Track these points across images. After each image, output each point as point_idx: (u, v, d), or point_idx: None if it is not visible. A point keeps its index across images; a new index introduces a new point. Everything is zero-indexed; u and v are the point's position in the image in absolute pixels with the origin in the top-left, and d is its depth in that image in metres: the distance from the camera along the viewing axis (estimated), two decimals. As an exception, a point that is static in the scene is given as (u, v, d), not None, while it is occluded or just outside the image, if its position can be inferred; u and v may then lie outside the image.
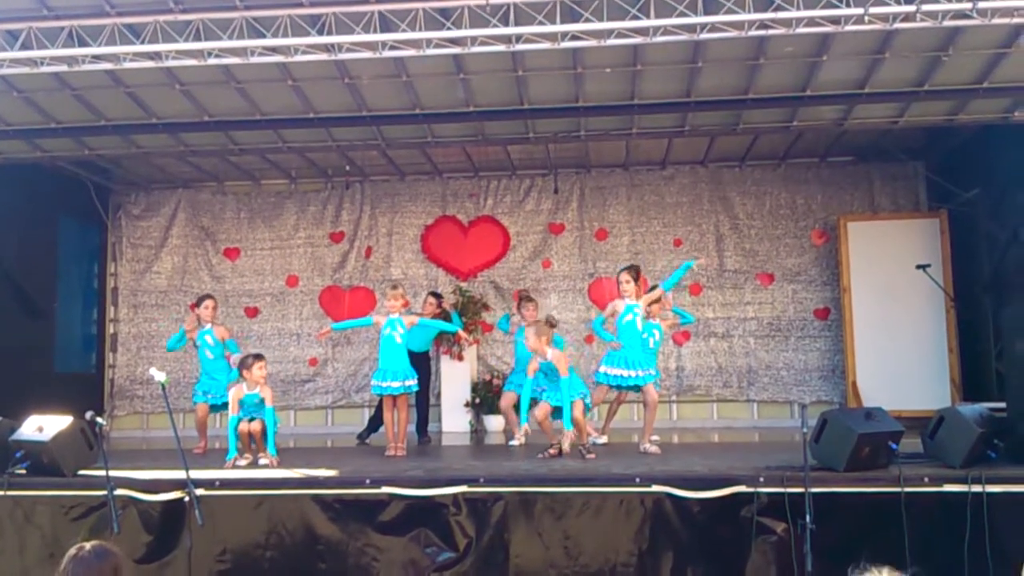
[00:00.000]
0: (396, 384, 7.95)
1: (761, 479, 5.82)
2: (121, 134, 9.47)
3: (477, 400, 11.14)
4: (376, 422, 9.46)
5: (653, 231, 11.71)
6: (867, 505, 5.72)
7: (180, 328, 9.04)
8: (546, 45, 6.95)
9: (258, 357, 7.72)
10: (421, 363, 9.25)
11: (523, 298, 9.16)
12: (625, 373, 7.55)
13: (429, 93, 8.65)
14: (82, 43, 7.09)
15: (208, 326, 8.66)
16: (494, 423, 11.08)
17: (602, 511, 5.93)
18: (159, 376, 6.21)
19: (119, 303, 12.22)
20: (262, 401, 7.60)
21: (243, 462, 7.44)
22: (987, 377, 9.65)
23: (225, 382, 8.41)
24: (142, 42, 7.05)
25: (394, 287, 8.38)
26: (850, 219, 10.96)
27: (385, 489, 6.14)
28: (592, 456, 7.28)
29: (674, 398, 11.47)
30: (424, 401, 9.75)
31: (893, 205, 11.32)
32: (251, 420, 7.61)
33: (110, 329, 12.19)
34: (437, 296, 9.99)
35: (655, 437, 8.44)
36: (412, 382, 8.05)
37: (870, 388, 10.31)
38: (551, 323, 7.85)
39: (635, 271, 7.81)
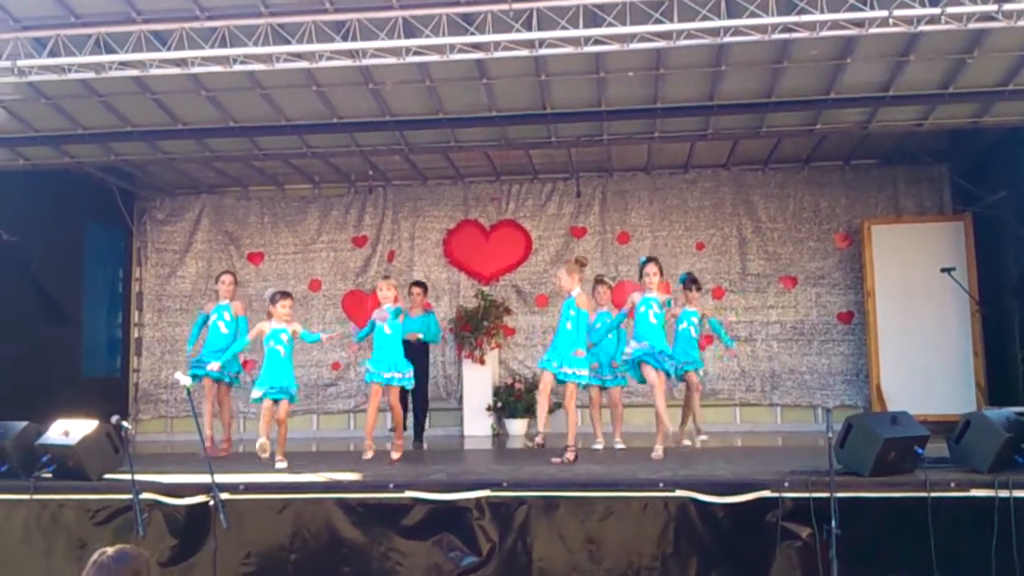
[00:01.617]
0: (396, 375, 7.86)
1: (786, 484, 5.81)
2: (147, 140, 9.58)
3: (499, 404, 11.15)
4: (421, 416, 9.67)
5: (675, 235, 11.69)
6: (893, 510, 5.68)
7: (199, 315, 9.01)
8: (569, 49, 6.97)
9: (284, 295, 7.89)
10: (418, 357, 9.26)
11: (597, 281, 8.98)
12: (643, 355, 7.54)
13: (452, 98, 8.69)
14: (109, 50, 7.20)
15: (225, 301, 8.69)
16: (516, 427, 11.10)
17: (625, 515, 5.93)
18: (184, 380, 6.28)
19: (144, 307, 12.34)
20: (285, 343, 7.69)
21: (265, 455, 7.49)
22: (1013, 381, 9.57)
23: (227, 357, 8.37)
24: (168, 49, 7.14)
25: (386, 277, 8.46)
26: (874, 222, 10.91)
27: (408, 493, 6.16)
28: (558, 461, 7.12)
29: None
30: (422, 400, 9.75)
31: (918, 208, 11.24)
32: (276, 401, 7.61)
33: (135, 333, 12.31)
34: (422, 286, 9.97)
35: (703, 436, 8.83)
36: (409, 374, 7.92)
37: (895, 392, 10.25)
38: (581, 263, 7.81)
39: (659, 264, 7.82)
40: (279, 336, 7.75)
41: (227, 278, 8.80)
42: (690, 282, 8.85)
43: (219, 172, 11.49)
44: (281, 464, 7.47)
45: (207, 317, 8.75)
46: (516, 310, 11.70)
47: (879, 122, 9.18)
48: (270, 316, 7.84)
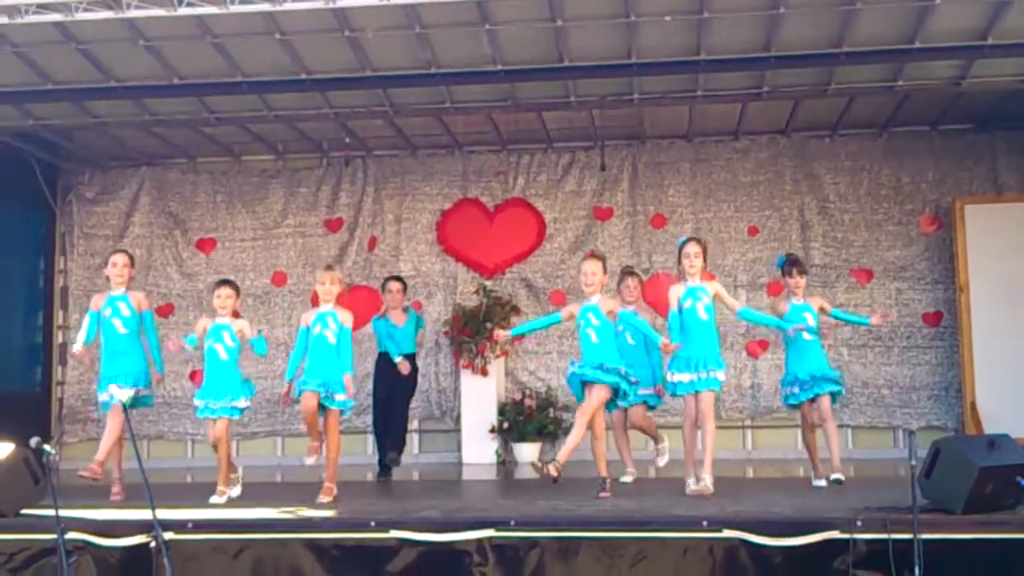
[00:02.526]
0: (332, 396, 7.58)
1: (859, 522, 5.80)
2: (72, 100, 9.61)
3: (506, 425, 11.18)
4: (386, 441, 9.60)
5: (723, 216, 11.72)
6: (990, 555, 5.68)
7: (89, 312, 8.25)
8: (591, -12, 6.99)
9: (223, 283, 7.85)
10: (404, 375, 9.44)
11: (625, 273, 8.88)
12: (688, 377, 7.38)
13: (447, 48, 8.70)
14: (26, -10, 7.21)
15: (120, 290, 8.11)
16: (526, 452, 11.12)
17: (662, 560, 5.94)
18: (120, 395, 6.34)
19: (69, 306, 12.38)
20: (228, 343, 7.61)
21: (219, 499, 7.50)
22: None
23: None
24: (99, -12, 7.16)
25: (328, 268, 8.05)
26: (968, 201, 10.90)
27: (394, 533, 6.17)
28: (607, 495, 7.19)
29: (748, 423, 11.44)
30: (402, 417, 9.78)
31: (1021, 184, 11.23)
32: (215, 419, 7.58)
33: (58, 338, 12.35)
34: (400, 282, 9.91)
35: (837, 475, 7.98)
36: (345, 397, 7.63)
37: (993, 410, 10.25)
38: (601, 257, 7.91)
39: (703, 244, 7.64)
40: (219, 333, 7.69)
41: (119, 258, 8.14)
42: (789, 266, 8.10)
43: (161, 140, 11.53)
44: (217, 498, 7.45)
45: (99, 315, 8.06)
46: (526, 309, 11.72)
47: (975, 78, 9.19)
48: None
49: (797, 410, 8.18)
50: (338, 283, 7.83)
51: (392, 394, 9.61)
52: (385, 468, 9.66)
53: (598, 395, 7.35)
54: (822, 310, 8.13)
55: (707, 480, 7.21)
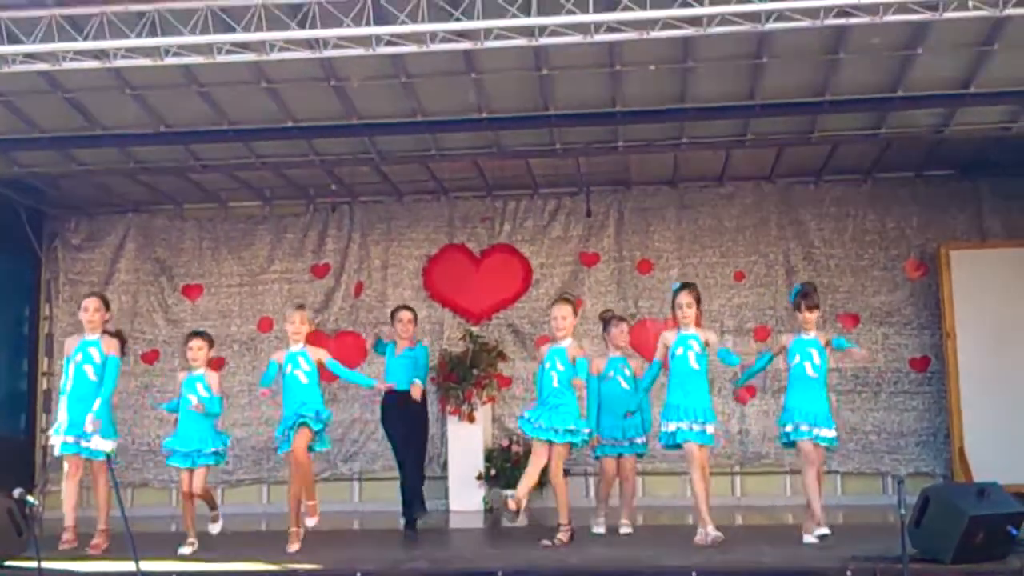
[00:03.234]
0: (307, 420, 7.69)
1: (848, 572, 5.80)
2: (59, 148, 9.61)
3: (492, 472, 11.09)
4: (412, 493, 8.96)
5: (708, 262, 11.70)
6: (982, 607, 5.66)
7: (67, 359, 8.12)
8: (577, 38, 7.01)
9: (195, 335, 7.98)
10: (411, 409, 8.87)
11: (609, 318, 8.79)
12: (688, 425, 7.37)
13: (433, 97, 8.75)
14: (12, 39, 7.19)
15: (94, 336, 8.05)
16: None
17: (650, 613, 5.91)
18: (104, 445, 6.28)
19: (54, 353, 12.24)
20: (201, 394, 7.64)
21: (187, 549, 7.45)
22: None
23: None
24: (85, 38, 7.14)
25: (298, 306, 8.22)
26: (953, 247, 10.92)
27: (380, 585, 6.15)
28: (549, 544, 7.34)
29: (737, 469, 11.37)
30: (416, 465, 9.12)
31: (1006, 230, 11.25)
32: (192, 469, 7.59)
33: (43, 384, 12.24)
34: (411, 311, 9.43)
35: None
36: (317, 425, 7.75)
37: (982, 457, 10.17)
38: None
39: (696, 291, 7.68)
40: (192, 385, 7.77)
41: (90, 302, 8.04)
42: (799, 298, 7.68)
43: (147, 187, 11.50)
44: (185, 549, 7.45)
45: (70, 361, 7.99)
46: (513, 355, 11.66)
47: (958, 125, 9.25)
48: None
49: (791, 449, 7.80)
50: (307, 322, 8.02)
51: (402, 435, 9.01)
52: (412, 521, 8.97)
53: (558, 453, 7.59)
54: (828, 344, 7.66)
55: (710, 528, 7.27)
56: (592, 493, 11.46)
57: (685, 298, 7.53)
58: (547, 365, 7.76)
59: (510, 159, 10.43)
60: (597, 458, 8.59)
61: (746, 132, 9.58)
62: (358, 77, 8.32)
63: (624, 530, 8.28)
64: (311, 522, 7.68)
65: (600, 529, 8.37)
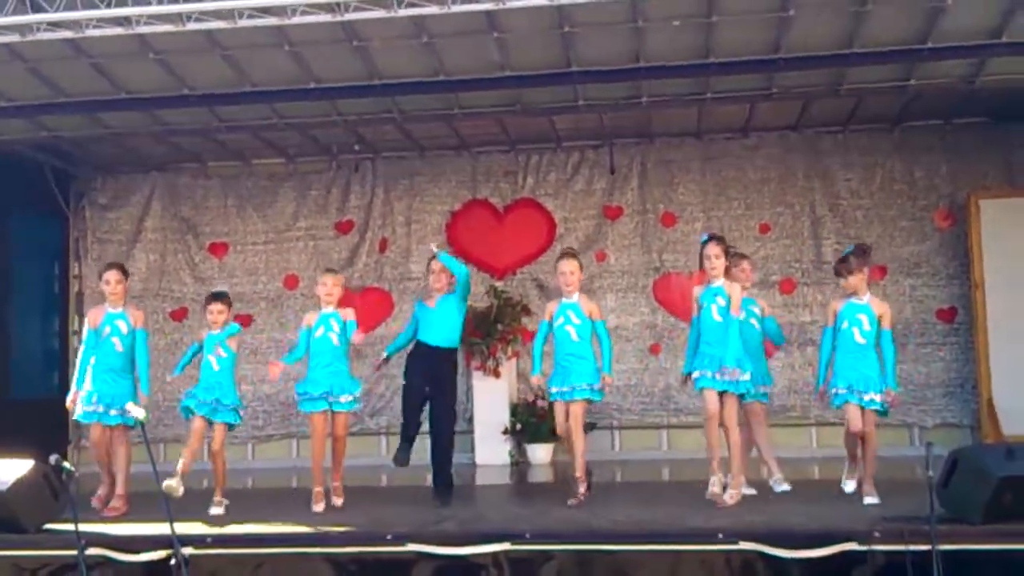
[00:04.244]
0: (342, 399, 7.76)
1: (876, 533, 5.84)
2: (84, 112, 9.63)
3: (518, 426, 11.19)
4: (412, 430, 8.76)
5: (733, 214, 11.66)
6: (1010, 566, 5.68)
7: (88, 331, 8.09)
8: (600, -5, 6.95)
9: (214, 297, 7.97)
10: (443, 365, 8.77)
11: (733, 254, 8.02)
12: (710, 375, 7.23)
13: (455, 56, 8.67)
14: (36, 8, 7.22)
15: (119, 308, 8.01)
16: (540, 454, 11.16)
17: (678, 573, 5.96)
18: (137, 412, 6.36)
19: (84, 311, 12.39)
20: (220, 355, 7.72)
21: (218, 509, 7.56)
22: None
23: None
24: (108, 6, 7.15)
25: (329, 270, 8.34)
26: (983, 196, 10.83)
27: (411, 547, 6.24)
28: (575, 502, 7.39)
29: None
30: (446, 426, 8.94)
31: (1039, 177, 11.16)
32: (210, 421, 7.68)
33: (74, 343, 12.37)
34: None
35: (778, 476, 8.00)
36: (351, 398, 7.84)
37: (1011, 407, 10.17)
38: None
39: (724, 243, 7.54)
40: (212, 345, 7.81)
41: (111, 275, 7.97)
42: (839, 263, 7.59)
43: (172, 146, 11.55)
44: (217, 509, 7.57)
45: (97, 333, 7.95)
46: (537, 310, 11.63)
47: (989, 75, 9.10)
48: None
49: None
50: (340, 286, 8.03)
51: (433, 400, 8.79)
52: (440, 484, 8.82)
53: (575, 412, 7.59)
54: (881, 319, 7.36)
55: (733, 491, 7.19)
56: (619, 446, 11.65)
57: (712, 249, 7.40)
58: (559, 321, 7.73)
59: (533, 117, 10.36)
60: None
61: (771, 86, 9.48)
62: (380, 38, 8.26)
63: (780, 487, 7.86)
64: (338, 502, 7.78)
65: (781, 487, 7.87)
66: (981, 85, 9.33)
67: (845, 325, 7.36)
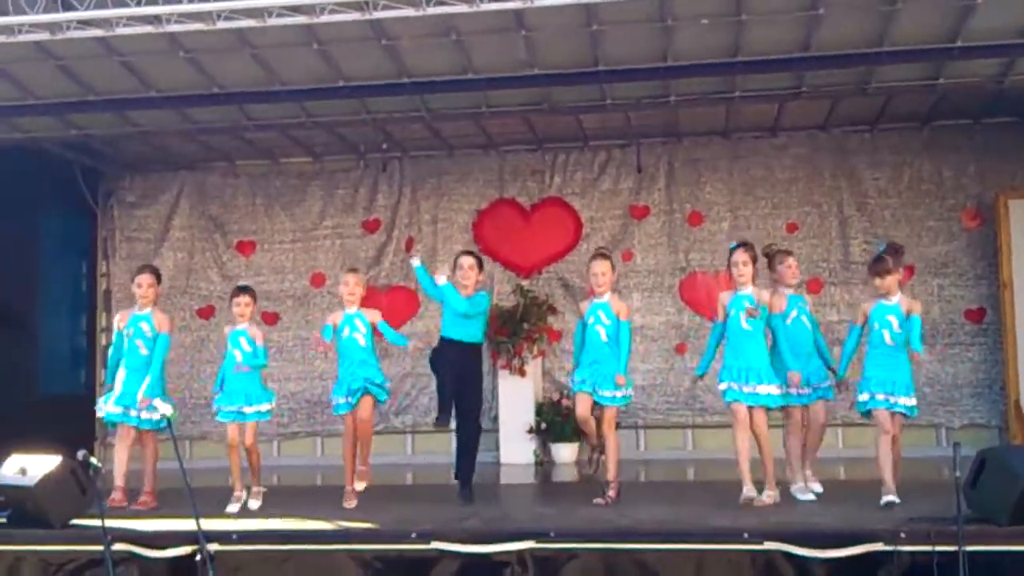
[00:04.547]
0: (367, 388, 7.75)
1: (903, 534, 5.82)
2: (114, 110, 9.70)
3: (543, 425, 11.20)
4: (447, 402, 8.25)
5: (760, 213, 11.63)
6: (1038, 569, 5.64)
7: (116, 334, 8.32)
8: (627, -7, 6.95)
9: (240, 290, 8.02)
10: (468, 360, 8.22)
11: (774, 253, 8.08)
12: (737, 387, 7.30)
13: (484, 54, 8.68)
14: (67, 7, 7.31)
15: (146, 310, 8.19)
16: (564, 453, 11.16)
17: (702, 573, 5.97)
18: (164, 409, 6.43)
19: (112, 308, 12.45)
20: (245, 349, 7.76)
21: (234, 506, 7.62)
22: None
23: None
24: (138, 3, 7.22)
25: (351, 269, 8.33)
26: (1012, 196, 10.74)
27: (434, 544, 6.27)
28: (602, 502, 7.44)
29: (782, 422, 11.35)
30: (472, 428, 8.35)
31: (1069, 177, 11.06)
32: (242, 421, 7.74)
33: (101, 340, 12.47)
34: (474, 256, 8.50)
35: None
36: (379, 387, 7.83)
37: (1039, 409, 10.14)
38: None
39: (753, 250, 7.54)
40: (237, 340, 7.88)
41: (144, 278, 8.14)
42: (875, 263, 7.45)
43: (201, 145, 11.61)
44: (255, 503, 7.67)
45: (123, 335, 8.13)
46: (563, 309, 11.70)
47: (1018, 74, 9.03)
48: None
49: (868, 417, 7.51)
50: (361, 284, 8.05)
51: (461, 396, 8.20)
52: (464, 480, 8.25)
53: (607, 417, 7.67)
54: (909, 313, 7.26)
55: (769, 493, 7.24)
56: (644, 445, 11.63)
57: (741, 256, 7.42)
58: (590, 320, 7.77)
59: (560, 115, 10.37)
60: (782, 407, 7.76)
61: (800, 84, 9.44)
62: (409, 36, 8.28)
63: (811, 491, 7.65)
64: (360, 486, 7.77)
65: (804, 496, 7.60)
66: (1010, 84, 9.27)
67: (876, 327, 7.31)
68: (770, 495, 7.21)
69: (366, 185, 12.31)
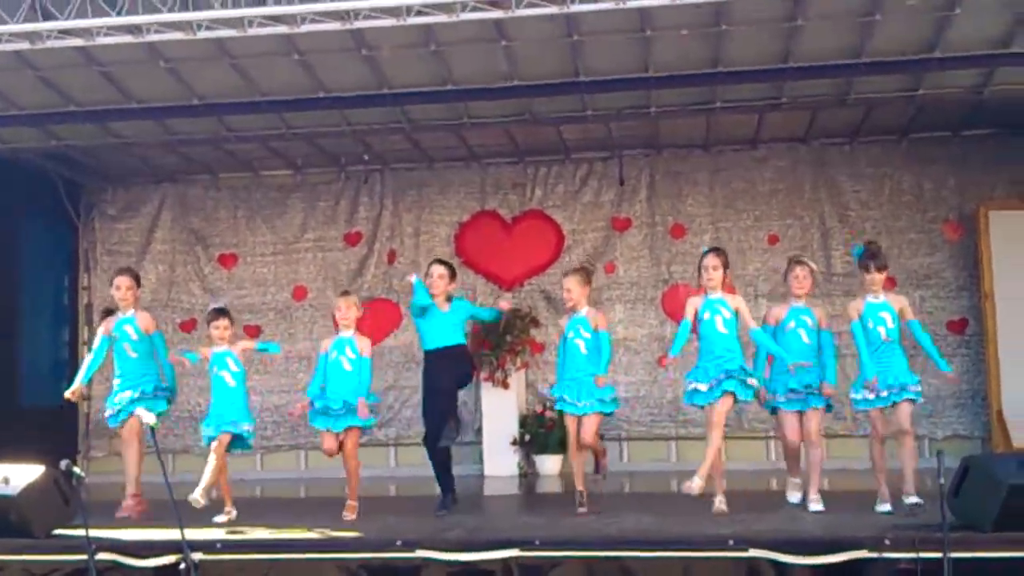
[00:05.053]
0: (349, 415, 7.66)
1: (887, 541, 5.81)
2: (94, 121, 9.69)
3: (527, 437, 11.17)
4: (445, 479, 8.16)
5: (742, 226, 11.66)
6: (1021, 575, 5.63)
7: (102, 337, 8.28)
8: (607, 4, 7.02)
9: (217, 313, 7.96)
10: (451, 363, 8.04)
11: (790, 261, 7.94)
12: (707, 387, 7.28)
13: (464, 65, 8.72)
14: (47, 16, 7.30)
15: (129, 312, 8.18)
16: (548, 465, 11.13)
17: (688, 581, 5.95)
18: (148, 418, 6.37)
19: (94, 321, 12.39)
20: (232, 369, 7.74)
21: (222, 517, 7.54)
22: None
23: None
24: (118, 13, 7.21)
25: (344, 293, 8.28)
26: (992, 207, 10.80)
27: (420, 553, 6.25)
28: (583, 511, 7.42)
29: (772, 433, 11.34)
30: (445, 399, 8.03)
31: (1048, 189, 11.13)
32: (221, 435, 7.67)
33: (83, 353, 12.36)
34: (445, 265, 8.33)
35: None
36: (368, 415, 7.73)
37: (1021, 419, 10.14)
38: (590, 272, 8.18)
39: (724, 256, 7.53)
40: (223, 361, 7.84)
41: (122, 280, 8.11)
42: (867, 259, 7.40)
43: (182, 157, 11.59)
44: (221, 517, 7.54)
45: (109, 339, 8.16)
46: (545, 321, 11.67)
47: (998, 85, 9.11)
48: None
49: (865, 415, 7.56)
50: (355, 307, 7.94)
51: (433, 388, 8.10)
52: (444, 502, 8.03)
53: (590, 427, 7.57)
54: (903, 312, 7.35)
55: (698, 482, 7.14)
56: (627, 457, 11.62)
57: (711, 260, 7.42)
58: (570, 335, 7.77)
59: (541, 126, 10.40)
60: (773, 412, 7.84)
61: (780, 95, 9.50)
62: (389, 46, 8.31)
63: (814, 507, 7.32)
64: (347, 516, 7.59)
65: (793, 498, 7.72)
66: (989, 95, 9.35)
67: (870, 325, 7.29)
68: (698, 483, 7.13)
69: (347, 197, 12.29)
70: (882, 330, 7.27)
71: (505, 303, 8.93)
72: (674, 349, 7.49)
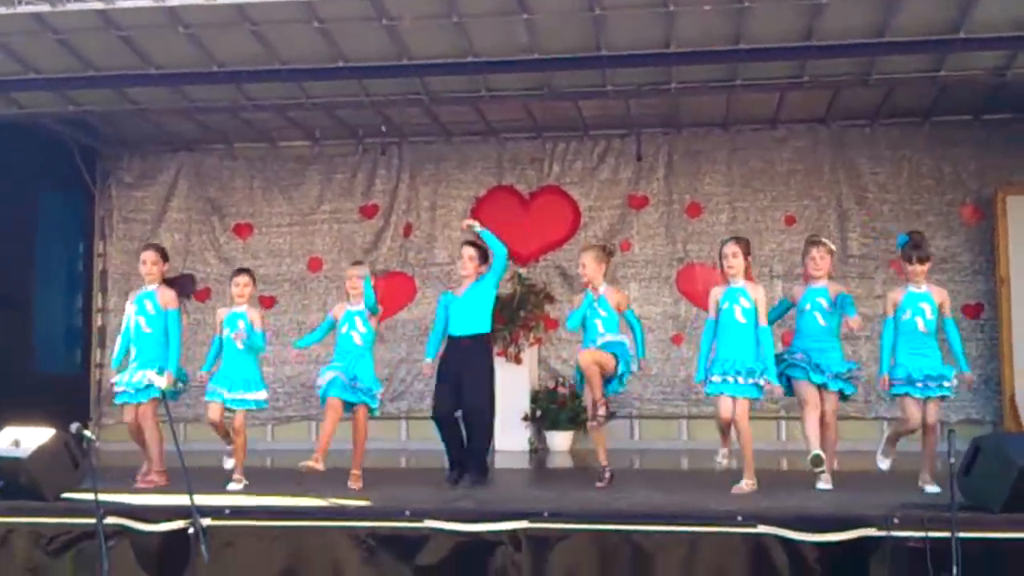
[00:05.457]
0: (357, 388, 7.68)
1: (895, 519, 5.77)
2: (112, 86, 9.70)
3: (538, 413, 11.19)
4: (456, 450, 8.02)
5: (759, 206, 11.64)
6: (1031, 556, 5.63)
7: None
8: (631, -23, 6.94)
9: (240, 272, 7.93)
10: (474, 353, 8.03)
11: (806, 241, 7.88)
12: (720, 379, 7.21)
13: (484, 36, 8.68)
14: (68, -22, 7.29)
15: (151, 287, 8.00)
16: (559, 441, 11.15)
17: (695, 555, 5.93)
18: (158, 381, 6.38)
19: (108, 289, 12.51)
20: (242, 332, 7.62)
21: (235, 486, 7.54)
22: None
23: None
24: (139, -24, 7.21)
25: (355, 263, 8.25)
26: (1011, 192, 10.75)
27: (428, 523, 6.22)
28: (602, 485, 7.42)
29: (782, 414, 11.36)
30: (482, 414, 8.04)
31: (1067, 174, 11.06)
32: (231, 409, 7.66)
33: (97, 321, 12.51)
34: (475, 247, 8.22)
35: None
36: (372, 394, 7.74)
37: (1033, 405, 10.14)
38: (611, 252, 7.94)
39: (745, 244, 7.42)
40: (234, 322, 7.75)
41: (148, 255, 7.99)
42: (910, 249, 7.22)
43: (199, 125, 11.61)
44: (235, 485, 7.55)
45: (130, 317, 8.04)
46: (560, 297, 11.70)
47: (1020, 68, 9.04)
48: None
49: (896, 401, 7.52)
50: (363, 277, 7.83)
51: (463, 389, 7.86)
52: (456, 474, 7.90)
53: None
54: (942, 307, 7.23)
55: (748, 481, 7.16)
56: (638, 435, 11.63)
57: (730, 248, 7.32)
58: (588, 313, 7.74)
59: (560, 101, 10.37)
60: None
61: (802, 73, 9.45)
62: (409, 16, 8.29)
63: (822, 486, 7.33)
64: (352, 485, 7.59)
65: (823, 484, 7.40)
66: (1012, 78, 9.28)
67: (908, 315, 7.19)
68: (748, 483, 7.09)
69: (364, 170, 12.30)
70: (920, 320, 7.15)
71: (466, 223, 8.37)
72: (702, 357, 7.40)
